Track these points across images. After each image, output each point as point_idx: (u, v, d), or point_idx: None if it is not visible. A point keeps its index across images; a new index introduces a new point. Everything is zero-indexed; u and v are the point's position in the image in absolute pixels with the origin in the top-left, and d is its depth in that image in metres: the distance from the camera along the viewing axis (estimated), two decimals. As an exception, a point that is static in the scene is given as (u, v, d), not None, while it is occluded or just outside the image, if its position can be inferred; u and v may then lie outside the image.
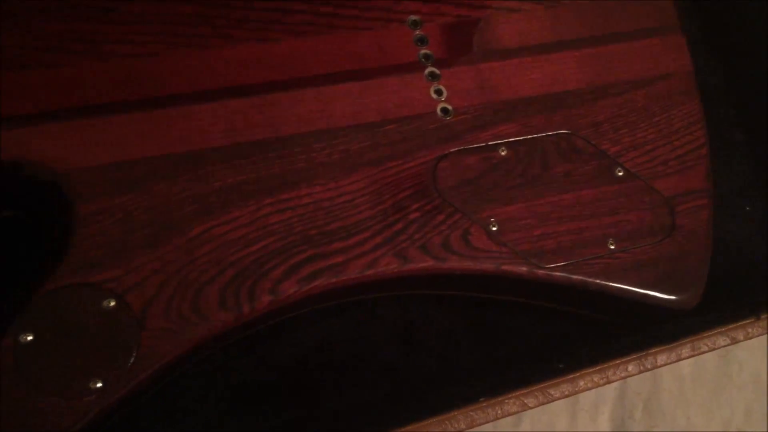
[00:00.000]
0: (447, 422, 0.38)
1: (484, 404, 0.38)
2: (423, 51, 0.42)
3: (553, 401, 0.39)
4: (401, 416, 0.38)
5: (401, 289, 0.40)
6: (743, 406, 0.51)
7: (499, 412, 0.38)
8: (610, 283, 0.40)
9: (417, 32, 0.42)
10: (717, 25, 0.55)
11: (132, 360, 0.32)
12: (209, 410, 0.38)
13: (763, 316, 0.43)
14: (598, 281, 0.40)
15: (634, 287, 0.40)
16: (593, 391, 0.44)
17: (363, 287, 0.38)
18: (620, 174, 0.42)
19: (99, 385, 0.32)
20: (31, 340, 0.32)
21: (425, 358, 0.41)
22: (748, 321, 0.43)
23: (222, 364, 0.39)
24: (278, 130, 0.38)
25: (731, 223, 0.50)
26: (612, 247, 0.41)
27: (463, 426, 0.38)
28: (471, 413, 0.38)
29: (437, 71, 0.41)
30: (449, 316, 0.42)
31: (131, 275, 0.34)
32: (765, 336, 0.44)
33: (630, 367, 0.41)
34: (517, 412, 0.39)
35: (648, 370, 0.41)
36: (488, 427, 0.40)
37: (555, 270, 0.39)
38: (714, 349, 0.42)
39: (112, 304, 0.33)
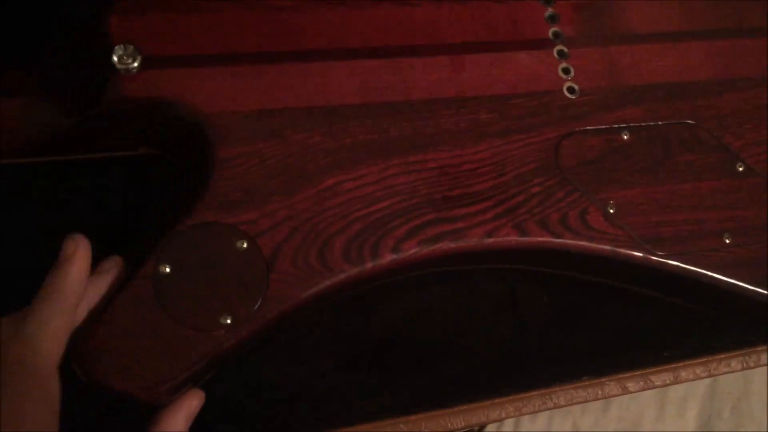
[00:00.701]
0: (548, 397, 0.38)
1: (587, 383, 0.38)
2: (554, 28, 0.42)
3: (653, 388, 0.39)
4: (502, 389, 0.38)
5: (515, 261, 0.41)
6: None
7: (599, 392, 0.39)
8: (722, 277, 0.40)
9: (549, 9, 0.42)
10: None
11: (260, 301, 0.33)
12: (320, 364, 0.39)
13: None
14: (710, 273, 0.40)
15: (746, 283, 0.40)
16: (683, 385, 0.44)
17: (481, 255, 0.38)
18: (741, 169, 0.42)
19: (228, 321, 0.33)
20: (168, 272, 0.33)
21: (529, 335, 0.41)
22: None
23: (330, 322, 0.40)
24: (410, 93, 0.38)
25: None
26: (727, 241, 0.40)
27: (562, 402, 0.39)
28: (572, 391, 0.38)
29: (566, 50, 0.41)
30: (554, 295, 0.42)
31: (264, 219, 0.35)
32: None
33: (733, 363, 0.41)
34: (618, 395, 0.39)
35: (751, 367, 0.41)
36: (578, 406, 0.40)
37: (669, 258, 0.39)
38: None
39: (245, 245, 0.34)
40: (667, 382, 0.40)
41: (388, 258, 0.36)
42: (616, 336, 0.42)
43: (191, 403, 0.33)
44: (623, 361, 0.39)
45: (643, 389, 0.39)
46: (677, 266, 0.39)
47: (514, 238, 0.38)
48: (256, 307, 0.33)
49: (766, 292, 0.40)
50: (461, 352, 0.40)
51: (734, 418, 0.49)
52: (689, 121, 0.42)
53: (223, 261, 0.34)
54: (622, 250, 0.39)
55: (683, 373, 0.40)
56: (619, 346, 0.41)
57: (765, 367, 0.43)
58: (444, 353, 0.40)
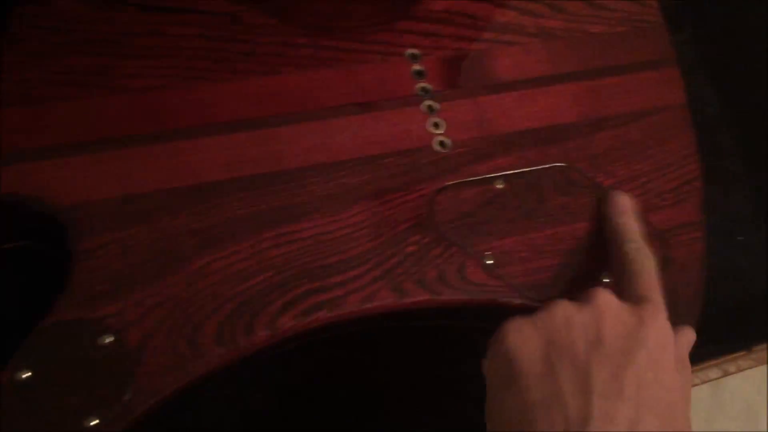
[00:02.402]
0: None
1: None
2: (421, 84, 0.42)
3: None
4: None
5: (402, 321, 0.41)
6: (735, 435, 0.52)
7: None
8: (605, 316, 0.40)
9: (415, 66, 0.42)
10: (716, 54, 0.56)
11: (128, 396, 0.32)
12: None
13: (755, 349, 0.43)
14: (593, 315, 0.40)
15: (629, 320, 0.41)
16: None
17: (361, 321, 0.38)
18: (615, 207, 0.43)
19: (95, 422, 0.32)
20: (28, 377, 0.32)
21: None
22: (739, 354, 0.43)
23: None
24: (280, 163, 0.38)
25: (726, 252, 0.50)
26: (606, 280, 0.41)
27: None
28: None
29: (435, 104, 0.42)
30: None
31: (130, 310, 0.34)
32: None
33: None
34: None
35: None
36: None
37: (550, 303, 0.40)
38: (706, 382, 0.42)
39: (110, 339, 0.33)
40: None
41: (262, 335, 0.35)
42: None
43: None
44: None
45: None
46: (559, 311, 0.40)
47: (392, 301, 0.37)
48: (124, 403, 0.32)
49: (648, 326, 0.41)
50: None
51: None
52: (562, 164, 0.43)
53: (86, 359, 0.33)
54: (502, 301, 0.39)
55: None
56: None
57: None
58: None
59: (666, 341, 0.33)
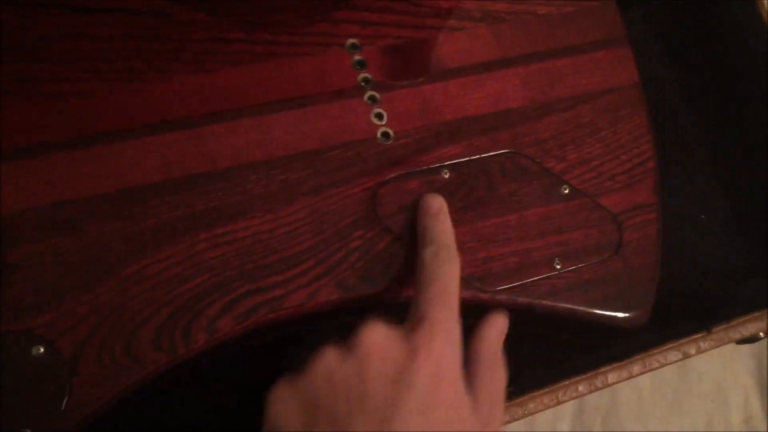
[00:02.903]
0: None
1: None
2: (363, 75, 0.41)
3: (504, 425, 0.39)
4: None
5: (348, 317, 0.40)
6: (704, 416, 0.51)
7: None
8: (558, 304, 0.40)
9: (356, 56, 0.41)
10: (672, 33, 0.55)
11: (63, 407, 0.32)
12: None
13: (715, 329, 0.43)
14: (544, 302, 0.40)
15: (582, 306, 0.40)
16: (551, 409, 0.43)
17: (304, 319, 0.37)
18: (566, 192, 0.42)
19: (29, 435, 0.31)
20: (-42, 392, 0.31)
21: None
22: (699, 335, 0.43)
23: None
24: (214, 162, 0.37)
25: (687, 235, 0.50)
26: (558, 266, 0.40)
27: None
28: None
29: (377, 95, 0.41)
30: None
31: (62, 320, 0.33)
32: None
33: (580, 387, 0.41)
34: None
35: (599, 389, 0.41)
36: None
37: (500, 293, 0.39)
38: (665, 365, 0.41)
39: (42, 350, 0.32)
40: (517, 417, 0.40)
41: (202, 339, 0.35)
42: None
43: (498, 320, 0.35)
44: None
45: (492, 429, 0.39)
46: (509, 300, 0.39)
47: (336, 297, 0.37)
48: (59, 415, 0.32)
49: (603, 312, 0.40)
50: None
51: (605, 431, 0.49)
52: (510, 150, 0.42)
53: (18, 372, 0.32)
54: (451, 293, 0.38)
55: (531, 405, 0.40)
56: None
57: (633, 379, 0.43)
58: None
59: (442, 371, 0.30)
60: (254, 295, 0.36)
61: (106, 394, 0.33)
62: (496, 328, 0.35)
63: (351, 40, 0.42)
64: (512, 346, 0.42)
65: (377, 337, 0.31)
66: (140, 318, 0.34)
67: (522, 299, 0.39)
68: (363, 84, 0.41)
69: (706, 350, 0.42)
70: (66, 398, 0.32)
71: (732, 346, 0.53)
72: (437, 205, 0.38)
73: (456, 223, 0.39)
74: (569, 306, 0.40)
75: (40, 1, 0.37)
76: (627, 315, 0.41)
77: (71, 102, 0.36)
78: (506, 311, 0.36)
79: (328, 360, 0.30)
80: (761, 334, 0.44)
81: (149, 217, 0.36)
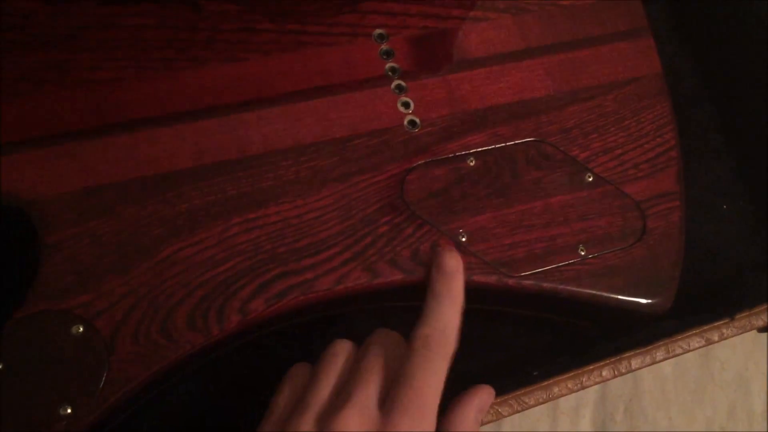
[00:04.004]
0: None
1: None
2: (390, 64, 0.42)
3: (528, 409, 0.39)
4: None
5: (376, 302, 0.41)
6: (726, 405, 0.51)
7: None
8: (582, 290, 0.40)
9: (383, 46, 0.42)
10: (693, 24, 0.55)
11: (101, 384, 0.33)
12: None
13: (738, 317, 0.43)
14: (569, 288, 0.40)
15: (606, 293, 0.41)
16: (574, 394, 0.44)
17: (333, 302, 0.38)
18: (590, 179, 0.42)
19: (69, 411, 0.32)
20: (0, 369, 0.32)
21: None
22: (722, 322, 0.43)
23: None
24: (245, 149, 0.38)
25: (708, 224, 0.50)
26: (583, 253, 0.41)
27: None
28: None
29: (404, 84, 0.42)
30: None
31: (100, 300, 0.34)
32: (744, 334, 0.44)
33: (604, 372, 0.41)
34: (492, 421, 0.39)
35: (622, 374, 0.41)
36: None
37: (525, 279, 0.40)
38: (689, 351, 0.42)
39: (81, 329, 0.33)
40: (541, 400, 0.40)
41: (235, 321, 0.35)
42: (490, 362, 0.42)
43: (482, 397, 0.34)
44: (496, 387, 0.39)
45: (517, 411, 0.39)
46: (535, 285, 0.40)
47: (365, 281, 0.38)
48: (98, 392, 0.33)
49: (626, 298, 0.41)
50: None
51: (627, 419, 0.49)
52: (534, 139, 0.42)
53: (59, 349, 0.33)
54: (477, 278, 0.39)
55: (556, 390, 0.40)
56: (494, 371, 0.42)
57: (655, 365, 0.43)
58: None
59: None
60: (285, 278, 0.36)
61: (143, 372, 0.34)
62: (479, 405, 0.35)
63: (378, 30, 0.42)
64: (541, 332, 0.43)
65: (354, 424, 0.30)
66: (175, 299, 0.35)
67: (546, 284, 0.40)
68: (390, 73, 0.42)
69: (728, 337, 0.43)
70: (104, 376, 0.33)
71: (754, 335, 0.53)
72: (453, 265, 0.37)
73: (482, 209, 0.40)
74: (593, 292, 0.40)
75: (75, -7, 0.38)
76: (650, 301, 0.41)
77: (106, 90, 0.37)
78: (491, 387, 0.36)
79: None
80: (784, 321, 0.44)
81: (183, 202, 0.36)
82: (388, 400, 0.31)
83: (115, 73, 0.37)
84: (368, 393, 0.31)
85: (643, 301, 0.41)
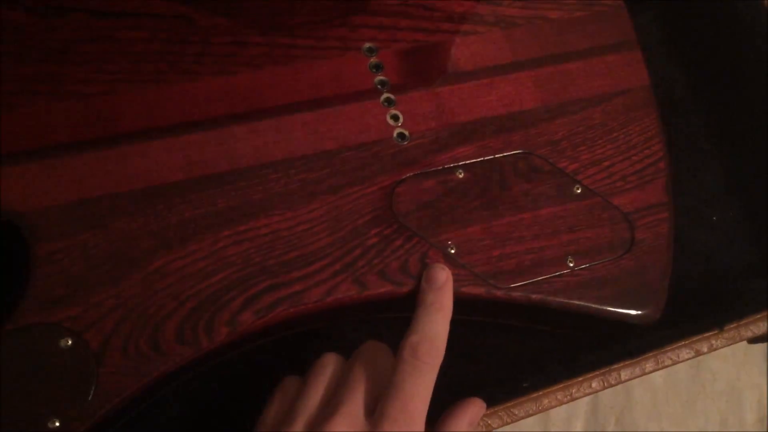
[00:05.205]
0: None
1: (448, 426, 0.38)
2: (379, 77, 0.42)
3: (517, 421, 0.40)
4: None
5: (365, 314, 0.41)
6: (718, 416, 0.51)
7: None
8: (570, 301, 0.41)
9: (372, 59, 0.43)
10: (682, 35, 0.56)
11: (90, 397, 0.33)
12: None
13: (727, 328, 0.43)
14: (558, 299, 0.40)
15: (595, 304, 0.41)
16: (565, 406, 0.44)
17: (323, 315, 0.38)
18: (578, 191, 0.43)
19: (57, 424, 0.32)
20: (-12, 382, 0.32)
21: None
22: (712, 333, 0.43)
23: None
24: (235, 162, 0.38)
25: (698, 234, 0.50)
26: (571, 264, 0.41)
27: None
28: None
29: (393, 97, 0.42)
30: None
31: (90, 313, 0.34)
32: (735, 345, 0.45)
33: (594, 384, 0.41)
34: (482, 433, 0.39)
35: (612, 385, 0.41)
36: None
37: (514, 290, 0.40)
38: (678, 362, 0.42)
39: (70, 342, 0.33)
40: (531, 412, 0.40)
41: (224, 333, 0.35)
42: (481, 373, 0.43)
43: (473, 410, 0.35)
44: (486, 398, 0.39)
45: (506, 423, 0.39)
46: (523, 296, 0.40)
47: (354, 293, 0.38)
48: (87, 404, 0.33)
49: (615, 309, 0.41)
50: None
51: (619, 430, 0.49)
52: (523, 151, 0.43)
53: (47, 362, 0.33)
54: (466, 290, 0.39)
55: (545, 401, 0.40)
56: (484, 382, 0.42)
57: (647, 376, 0.43)
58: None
59: None
60: (275, 290, 0.37)
61: (132, 385, 0.34)
62: (471, 418, 0.36)
63: (367, 44, 0.43)
64: (532, 343, 0.43)
65: None
66: (164, 312, 0.35)
67: (535, 296, 0.40)
68: (379, 86, 0.42)
69: (718, 348, 0.43)
70: (93, 389, 0.33)
71: (745, 346, 0.53)
72: (442, 278, 0.37)
73: (471, 221, 0.40)
74: (582, 303, 0.41)
75: (66, 6, 0.38)
76: (639, 312, 0.41)
77: (97, 102, 0.37)
78: (482, 400, 0.37)
79: None
80: (773, 332, 0.44)
81: (173, 215, 0.37)
82: (377, 410, 0.32)
83: (106, 86, 0.37)
84: (357, 402, 0.32)
85: (632, 312, 0.41)
